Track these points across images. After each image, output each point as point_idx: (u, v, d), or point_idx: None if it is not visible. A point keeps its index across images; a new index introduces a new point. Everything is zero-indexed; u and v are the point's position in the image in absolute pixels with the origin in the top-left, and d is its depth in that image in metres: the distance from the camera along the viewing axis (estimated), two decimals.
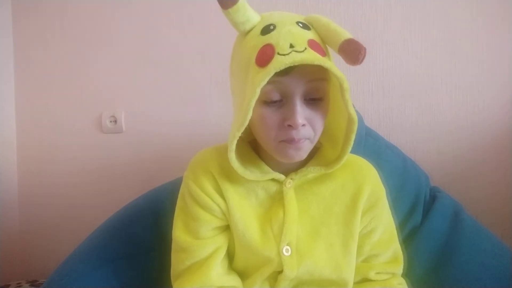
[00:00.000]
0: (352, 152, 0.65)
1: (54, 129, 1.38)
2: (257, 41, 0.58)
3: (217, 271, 0.65)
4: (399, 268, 0.71)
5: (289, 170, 0.68)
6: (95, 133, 1.35)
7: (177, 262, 0.67)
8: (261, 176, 0.65)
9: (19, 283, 1.24)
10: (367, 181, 0.68)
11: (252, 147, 0.69)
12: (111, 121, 1.33)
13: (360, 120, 1.00)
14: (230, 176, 0.66)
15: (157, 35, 1.29)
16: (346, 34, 0.57)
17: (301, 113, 0.57)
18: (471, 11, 1.10)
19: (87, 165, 1.35)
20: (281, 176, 0.67)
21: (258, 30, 0.59)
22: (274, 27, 0.58)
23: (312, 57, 0.54)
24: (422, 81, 1.14)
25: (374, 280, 0.68)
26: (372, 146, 0.97)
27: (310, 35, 0.58)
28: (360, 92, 1.16)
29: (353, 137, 0.62)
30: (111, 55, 1.33)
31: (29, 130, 1.40)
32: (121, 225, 0.91)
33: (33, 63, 1.39)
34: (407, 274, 0.75)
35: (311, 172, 0.66)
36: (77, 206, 1.36)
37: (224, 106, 1.23)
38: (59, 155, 1.37)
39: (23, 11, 1.40)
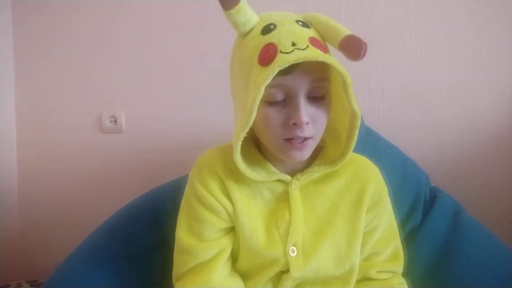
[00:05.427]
0: (352, 151, 0.65)
1: (54, 129, 1.38)
2: (258, 41, 0.58)
3: (220, 273, 0.64)
4: (400, 266, 0.71)
5: (294, 170, 0.68)
6: (95, 133, 1.35)
7: (179, 264, 0.67)
8: (267, 177, 0.65)
9: (19, 283, 1.24)
10: (371, 179, 0.69)
11: (256, 146, 0.69)
12: (111, 121, 1.33)
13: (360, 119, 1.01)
14: (236, 176, 0.66)
15: (157, 35, 1.29)
16: (345, 31, 0.57)
17: (305, 111, 0.57)
18: (470, 11, 1.10)
19: (87, 165, 1.35)
20: (287, 177, 0.67)
21: (258, 30, 0.59)
22: (275, 26, 0.58)
23: (315, 54, 0.54)
24: (422, 81, 1.13)
25: (375, 279, 0.68)
26: (372, 146, 0.97)
27: (310, 33, 0.58)
28: (360, 92, 1.16)
29: (357, 132, 0.62)
30: (111, 55, 1.33)
31: (29, 129, 1.40)
32: (121, 225, 0.91)
33: (33, 63, 1.39)
34: (407, 273, 0.75)
35: (317, 172, 0.66)
36: (77, 206, 1.36)
37: (224, 106, 1.22)
38: (59, 155, 1.37)
39: (23, 11, 1.40)
